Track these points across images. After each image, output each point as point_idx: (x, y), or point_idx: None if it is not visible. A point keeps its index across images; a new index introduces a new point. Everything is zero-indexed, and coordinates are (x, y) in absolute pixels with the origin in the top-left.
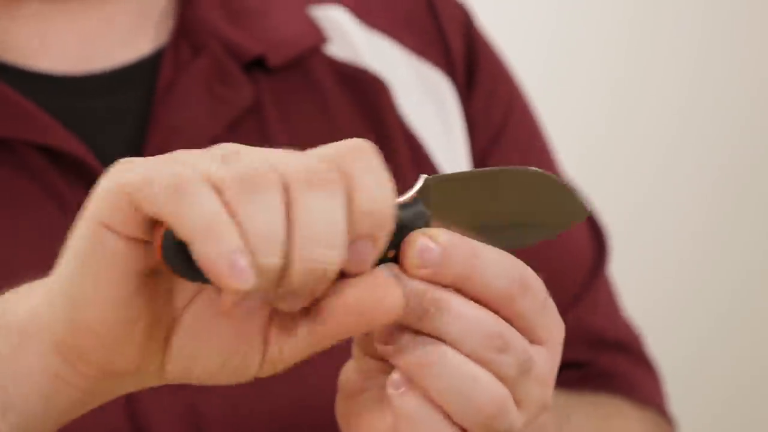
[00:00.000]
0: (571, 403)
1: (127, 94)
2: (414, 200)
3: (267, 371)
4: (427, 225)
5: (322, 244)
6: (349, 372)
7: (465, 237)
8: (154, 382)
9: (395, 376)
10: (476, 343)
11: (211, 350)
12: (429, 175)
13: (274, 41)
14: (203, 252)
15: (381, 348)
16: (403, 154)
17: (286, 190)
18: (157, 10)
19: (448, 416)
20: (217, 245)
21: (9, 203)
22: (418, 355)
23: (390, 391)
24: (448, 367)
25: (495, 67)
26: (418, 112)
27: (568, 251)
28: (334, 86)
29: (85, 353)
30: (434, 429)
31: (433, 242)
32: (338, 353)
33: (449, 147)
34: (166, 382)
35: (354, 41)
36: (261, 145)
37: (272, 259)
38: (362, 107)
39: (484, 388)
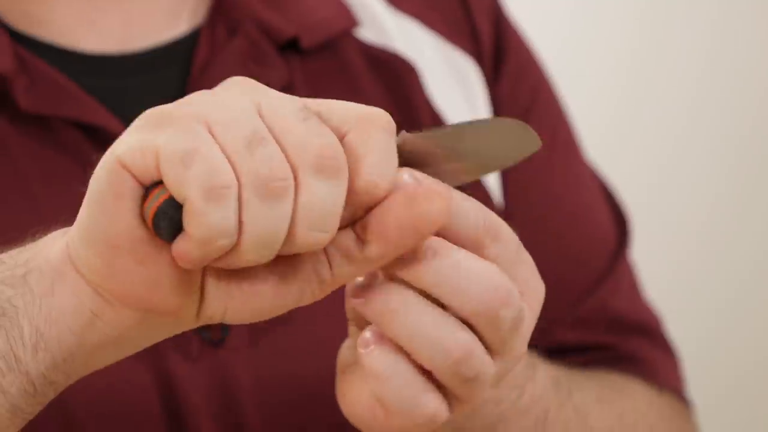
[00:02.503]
0: (574, 379)
1: (164, 73)
2: None
3: (318, 296)
4: None
5: (317, 228)
6: (344, 348)
7: (436, 180)
8: (191, 325)
9: (365, 334)
10: (480, 297)
11: (259, 291)
12: (408, 132)
13: (308, 23)
14: (198, 229)
15: (350, 301)
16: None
17: (295, 174)
18: None
19: (418, 366)
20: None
21: (47, 180)
22: (383, 301)
23: (360, 350)
24: (412, 312)
25: (522, 54)
26: (445, 96)
27: (591, 235)
28: (364, 69)
29: (120, 295)
30: (406, 382)
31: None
32: None
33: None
34: (203, 323)
35: (384, 25)
36: None
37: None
38: (391, 90)
39: (450, 332)
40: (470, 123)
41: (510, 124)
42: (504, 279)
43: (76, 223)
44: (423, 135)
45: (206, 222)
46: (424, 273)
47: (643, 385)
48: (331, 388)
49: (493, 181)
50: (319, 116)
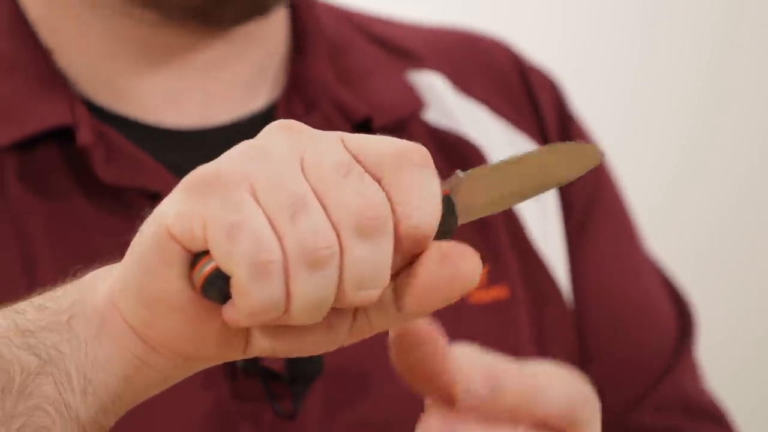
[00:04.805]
0: None
1: None
2: (445, 197)
3: (353, 340)
4: (453, 219)
5: (365, 287)
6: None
7: None
8: (238, 357)
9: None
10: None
11: (305, 337)
12: (462, 171)
13: (380, 103)
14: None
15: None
16: (498, 220)
17: (339, 236)
18: (273, 66)
19: None
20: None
21: (122, 253)
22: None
23: None
24: None
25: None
26: None
27: (656, 322)
28: (431, 150)
29: (165, 343)
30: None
31: None
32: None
33: (540, 213)
34: (252, 356)
35: (450, 108)
36: None
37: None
38: None
39: None
40: (526, 155)
41: (565, 146)
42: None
43: (121, 276)
44: (477, 173)
45: (253, 298)
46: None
47: None
48: None
49: (563, 280)
50: (359, 160)
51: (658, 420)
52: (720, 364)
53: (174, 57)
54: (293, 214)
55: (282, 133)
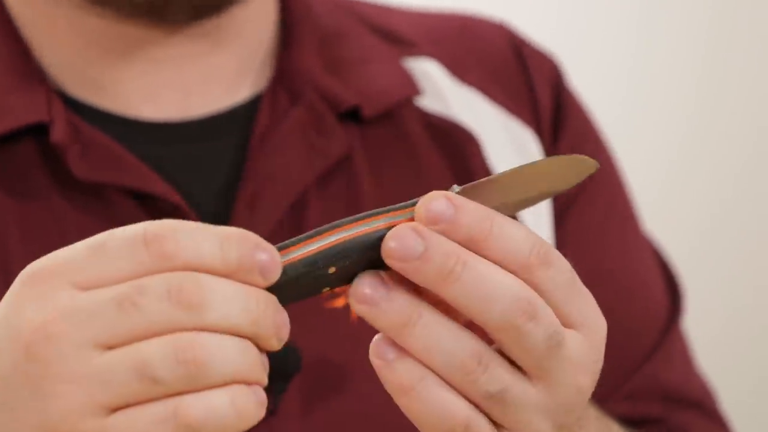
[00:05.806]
0: None
1: (224, 141)
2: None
3: None
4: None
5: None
6: None
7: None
8: None
9: (376, 341)
10: (503, 308)
11: None
12: (459, 185)
13: (369, 92)
14: None
15: (359, 307)
16: None
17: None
18: (258, 57)
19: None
20: None
21: None
22: (396, 313)
23: (375, 360)
24: (426, 324)
25: (581, 125)
26: (505, 167)
27: (643, 309)
28: (424, 138)
29: None
30: (435, 394)
31: (445, 199)
32: None
33: None
34: None
35: (445, 94)
36: (349, 197)
37: None
38: (451, 160)
39: (463, 342)
40: (521, 168)
41: (561, 159)
42: (527, 291)
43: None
44: (475, 187)
45: None
46: (448, 284)
47: None
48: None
49: None
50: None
51: (630, 410)
52: (713, 359)
53: (144, 50)
54: (140, 376)
55: (40, 288)
